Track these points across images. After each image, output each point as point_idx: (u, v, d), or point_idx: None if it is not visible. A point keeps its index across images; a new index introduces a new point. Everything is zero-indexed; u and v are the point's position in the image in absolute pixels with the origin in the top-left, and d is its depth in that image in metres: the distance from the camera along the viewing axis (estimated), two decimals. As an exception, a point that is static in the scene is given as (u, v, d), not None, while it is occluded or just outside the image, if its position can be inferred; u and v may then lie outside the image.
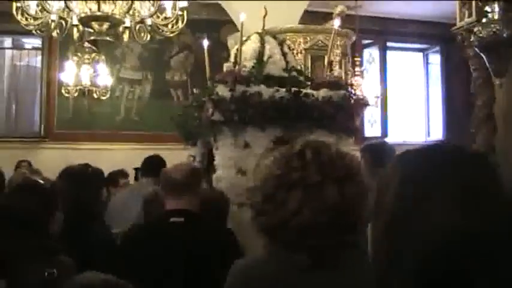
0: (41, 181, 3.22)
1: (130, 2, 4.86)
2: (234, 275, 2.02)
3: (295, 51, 7.07)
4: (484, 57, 2.40)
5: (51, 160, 9.22)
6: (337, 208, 1.84)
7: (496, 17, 2.30)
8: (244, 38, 5.01)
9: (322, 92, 4.66)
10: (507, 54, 2.35)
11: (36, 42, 10.71)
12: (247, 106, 4.41)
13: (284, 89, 4.55)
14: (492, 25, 2.29)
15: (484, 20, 2.37)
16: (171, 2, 5.21)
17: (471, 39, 2.52)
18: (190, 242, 3.15)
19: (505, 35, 2.26)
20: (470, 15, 2.70)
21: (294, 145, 2.00)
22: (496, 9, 2.32)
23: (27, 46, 11.17)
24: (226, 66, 5.02)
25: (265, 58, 4.86)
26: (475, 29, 2.39)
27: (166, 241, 3.18)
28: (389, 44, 12.58)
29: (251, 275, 1.97)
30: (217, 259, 2.99)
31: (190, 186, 3.32)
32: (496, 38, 2.26)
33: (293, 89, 4.58)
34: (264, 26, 5.12)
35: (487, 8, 2.35)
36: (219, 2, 8.81)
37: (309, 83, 4.96)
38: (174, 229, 3.21)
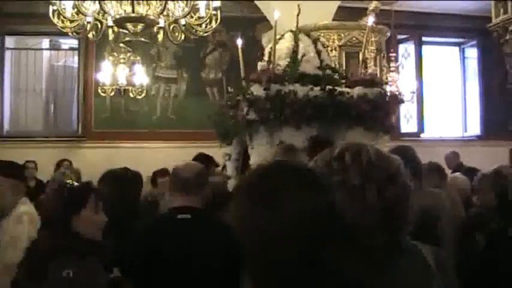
0: (72, 181, 3.25)
1: (164, 2, 4.89)
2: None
3: (329, 48, 7.05)
4: (520, 55, 2.38)
5: (91, 159, 9.38)
6: (379, 210, 1.83)
7: (531, 14, 2.27)
8: (278, 37, 5.02)
9: (357, 90, 4.66)
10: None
11: (73, 42, 10.86)
12: (282, 105, 4.43)
13: (319, 88, 4.55)
14: (528, 23, 2.26)
15: (520, 17, 2.34)
16: (205, 1, 5.23)
17: (507, 37, 2.48)
18: (196, 238, 3.21)
19: (542, 31, 2.23)
20: (505, 11, 2.66)
21: (333, 148, 1.96)
22: (531, 6, 2.29)
23: (64, 47, 11.35)
24: (260, 65, 5.03)
25: (299, 56, 4.86)
26: (510, 27, 2.36)
27: (174, 237, 3.24)
28: (424, 38, 12.45)
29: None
30: (221, 255, 3.09)
31: (198, 185, 3.39)
32: (533, 34, 2.23)
33: (328, 87, 4.58)
34: (297, 24, 5.12)
35: (524, 4, 2.33)
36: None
37: (344, 80, 4.95)
38: (182, 225, 3.27)
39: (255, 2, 8.87)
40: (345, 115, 4.57)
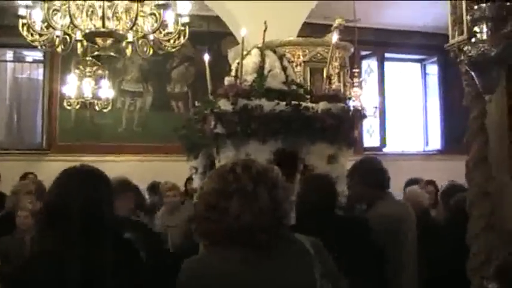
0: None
1: (133, 18, 4.97)
2: (183, 273, 2.33)
3: (294, 64, 7.19)
4: (473, 74, 2.52)
5: (55, 172, 9.30)
6: (269, 209, 2.25)
7: (484, 37, 2.41)
8: (244, 52, 5.12)
9: (322, 105, 4.77)
10: (495, 72, 2.46)
11: (38, 54, 10.82)
12: (248, 119, 4.52)
13: (284, 102, 4.66)
14: (481, 44, 2.39)
15: (473, 40, 2.47)
16: (173, 17, 5.33)
17: (461, 58, 2.63)
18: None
19: (492, 54, 2.37)
20: (461, 33, 2.82)
21: (225, 165, 2.43)
22: (485, 29, 2.42)
23: (28, 59, 11.28)
24: (227, 80, 5.13)
25: (265, 72, 4.97)
26: (465, 48, 2.50)
27: None
28: (387, 55, 12.73)
29: (198, 271, 2.30)
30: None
31: None
32: (484, 57, 2.37)
33: (293, 102, 4.69)
34: (264, 40, 5.24)
35: (476, 28, 2.46)
36: (222, 12, 8.95)
37: (308, 96, 5.07)
38: None
39: (222, 18, 9.01)
40: (309, 129, 4.68)
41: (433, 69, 13.02)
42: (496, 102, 2.74)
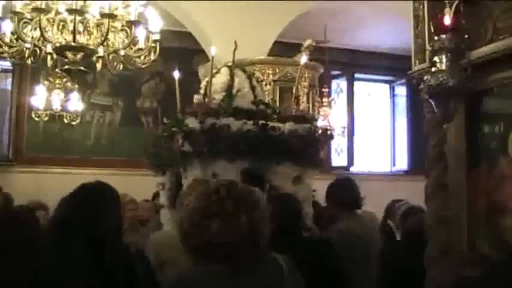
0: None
1: (105, 33, 4.98)
2: (170, 285, 2.58)
3: (264, 83, 7.27)
4: (432, 103, 2.60)
5: (21, 184, 9.26)
6: (247, 230, 2.43)
7: (443, 67, 2.49)
8: (214, 71, 5.18)
9: (288, 126, 4.84)
10: (452, 102, 2.55)
11: (6, 64, 10.68)
12: (216, 138, 4.57)
13: (252, 122, 4.72)
14: (440, 75, 2.47)
15: (433, 69, 2.55)
16: (145, 34, 5.35)
17: (421, 86, 2.71)
18: None
19: (450, 84, 2.45)
20: (423, 61, 2.90)
21: (210, 184, 2.65)
22: (444, 60, 2.50)
23: (-5, 68, 11.14)
24: (196, 98, 5.17)
25: (234, 91, 5.02)
26: (425, 78, 2.58)
27: None
28: (357, 75, 12.89)
29: (183, 284, 2.48)
30: None
31: None
32: (443, 87, 2.45)
33: (260, 122, 4.75)
34: (234, 59, 5.29)
35: (436, 59, 2.54)
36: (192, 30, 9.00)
37: (276, 116, 5.13)
38: None
39: (194, 35, 9.05)
40: (275, 150, 4.74)
41: (401, 91, 13.20)
42: (455, 130, 2.82)
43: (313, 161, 5.03)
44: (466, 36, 2.64)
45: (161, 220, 5.48)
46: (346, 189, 4.78)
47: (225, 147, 4.60)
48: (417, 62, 2.96)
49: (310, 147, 4.92)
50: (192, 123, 4.61)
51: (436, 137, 2.84)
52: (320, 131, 5.31)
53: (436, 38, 2.57)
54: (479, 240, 2.77)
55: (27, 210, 4.13)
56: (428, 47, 2.69)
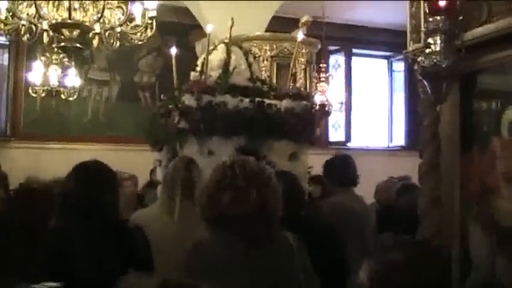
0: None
1: (101, 10, 4.95)
2: (189, 253, 2.79)
3: (261, 59, 7.24)
4: (426, 84, 2.60)
5: (18, 160, 9.28)
6: (258, 205, 2.59)
7: (437, 48, 2.49)
8: (211, 47, 5.16)
9: (285, 103, 4.84)
10: (445, 83, 2.56)
11: (1, 39, 10.61)
12: (212, 116, 4.58)
13: (248, 99, 4.72)
14: (433, 56, 2.48)
15: (427, 50, 2.56)
16: (141, 10, 5.32)
17: (415, 67, 2.72)
18: None
19: (444, 65, 2.46)
20: (418, 41, 2.90)
21: (227, 161, 2.79)
22: (438, 41, 2.50)
23: (-9, 44, 11.08)
24: (193, 76, 5.16)
25: (230, 68, 5.01)
26: (419, 59, 2.59)
27: None
28: (355, 50, 12.84)
29: (200, 253, 2.73)
30: None
31: None
32: (436, 68, 2.46)
33: (257, 99, 4.75)
34: (230, 36, 5.28)
35: (430, 40, 2.54)
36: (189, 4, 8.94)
37: (273, 92, 5.13)
38: None
39: (191, 10, 9.00)
40: (271, 127, 4.75)
41: (399, 66, 13.16)
42: (449, 111, 2.83)
43: (309, 138, 5.05)
44: (460, 18, 2.64)
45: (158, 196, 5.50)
46: (342, 166, 4.83)
47: (221, 125, 4.61)
48: (412, 42, 2.96)
49: (306, 124, 4.93)
50: (188, 100, 4.61)
51: (430, 117, 2.85)
52: (317, 107, 5.31)
53: (430, 19, 2.57)
54: (471, 221, 2.81)
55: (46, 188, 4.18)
56: (423, 28, 2.69)
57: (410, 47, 2.96)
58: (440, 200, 2.88)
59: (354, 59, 12.87)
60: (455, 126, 2.85)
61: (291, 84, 5.59)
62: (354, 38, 12.45)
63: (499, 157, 2.61)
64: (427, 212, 2.88)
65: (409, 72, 12.66)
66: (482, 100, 2.84)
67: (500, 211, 2.62)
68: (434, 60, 2.47)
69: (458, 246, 2.85)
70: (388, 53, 13.19)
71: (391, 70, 13.35)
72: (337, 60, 12.73)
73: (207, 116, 4.58)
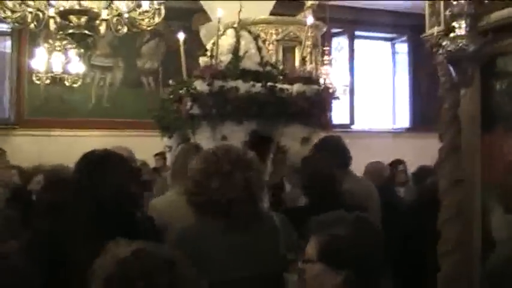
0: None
1: (109, -3, 4.95)
2: (176, 236, 2.85)
3: (267, 43, 7.21)
4: (451, 68, 2.60)
5: (23, 147, 9.29)
6: (243, 188, 2.73)
7: (462, 32, 2.48)
8: (219, 32, 5.14)
9: (296, 87, 4.83)
10: (471, 67, 2.56)
11: (3, 26, 10.56)
12: (225, 101, 4.56)
13: (260, 84, 4.71)
14: (459, 40, 2.47)
15: (451, 35, 2.54)
16: (149, -3, 5.29)
17: (439, 51, 2.70)
18: None
19: (470, 50, 2.45)
20: (438, 24, 2.88)
21: (211, 148, 3.01)
22: (463, 25, 2.49)
23: (-6, 31, 11.03)
24: (202, 61, 5.15)
25: (241, 53, 5.00)
26: (443, 43, 2.57)
27: None
28: (357, 33, 12.80)
29: (186, 235, 2.81)
30: None
31: None
32: (462, 52, 2.45)
33: (268, 84, 4.74)
34: (239, 21, 5.25)
35: (455, 24, 2.53)
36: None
37: (282, 77, 5.11)
38: None
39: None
40: (283, 112, 4.74)
41: (402, 48, 13.14)
42: (470, 95, 2.82)
43: (321, 122, 5.05)
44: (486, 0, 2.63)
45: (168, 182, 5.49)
46: (338, 147, 4.75)
47: (234, 110, 4.59)
48: (430, 26, 2.95)
49: (318, 107, 4.92)
50: (200, 85, 4.59)
51: (450, 100, 2.84)
52: (323, 89, 5.28)
53: (454, 2, 2.55)
54: (493, 202, 2.82)
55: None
56: (447, 12, 2.67)
57: (432, 29, 2.94)
58: (460, 182, 2.88)
59: (356, 41, 12.83)
60: (475, 108, 2.84)
61: (302, 68, 5.56)
62: (357, 20, 12.41)
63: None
64: (448, 194, 2.89)
65: (413, 54, 12.67)
66: (503, 82, 2.83)
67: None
68: (460, 44, 2.46)
69: (480, 227, 2.85)
70: (391, 35, 13.16)
71: (394, 52, 13.32)
72: (339, 42, 12.69)
73: (219, 101, 4.57)
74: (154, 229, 3.44)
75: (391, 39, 13.28)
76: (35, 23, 5.35)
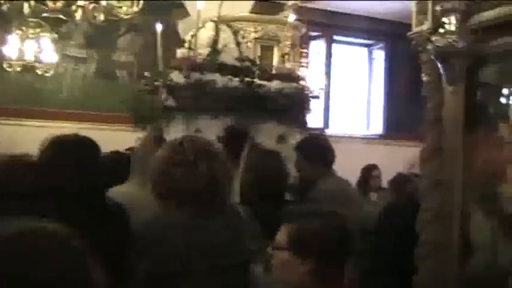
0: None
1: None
2: (144, 226, 2.83)
3: (245, 40, 7.12)
4: (439, 65, 2.54)
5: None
6: (207, 178, 2.73)
7: (452, 28, 2.43)
8: (199, 25, 5.05)
9: (275, 84, 4.76)
10: (459, 64, 2.51)
11: (-24, 12, 10.35)
12: (201, 94, 4.47)
13: (237, 79, 4.63)
14: (448, 36, 2.42)
15: (441, 30, 2.49)
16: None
17: (428, 47, 2.64)
18: None
19: (460, 46, 2.40)
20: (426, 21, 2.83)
21: (177, 138, 2.98)
22: (453, 21, 2.44)
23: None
24: (180, 53, 5.05)
25: (219, 47, 4.91)
26: (433, 38, 2.52)
27: None
28: (335, 37, 12.77)
29: (154, 225, 2.79)
30: None
31: None
32: (452, 48, 2.40)
33: (246, 79, 4.66)
34: (219, 14, 5.17)
35: (445, 19, 2.48)
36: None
37: (261, 73, 5.04)
38: None
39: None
40: (260, 108, 4.67)
41: (379, 55, 13.15)
42: (454, 94, 2.77)
43: (299, 121, 4.98)
44: (476, -1, 2.58)
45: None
46: (322, 145, 4.67)
47: (210, 103, 4.51)
48: (422, 21, 2.88)
49: (296, 106, 4.86)
50: (176, 77, 4.50)
51: (434, 100, 2.79)
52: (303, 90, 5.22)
53: (445, -1, 2.50)
54: (474, 204, 2.76)
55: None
56: (438, 7, 2.60)
57: (420, 27, 2.88)
58: (441, 184, 2.83)
59: (334, 46, 12.80)
60: (459, 108, 2.79)
61: (280, 66, 5.49)
62: (335, 25, 12.38)
63: (508, 141, 2.56)
64: (427, 195, 2.83)
65: (389, 61, 12.70)
66: (488, 83, 2.79)
67: (505, 196, 2.57)
68: (450, 40, 2.40)
69: (458, 229, 2.80)
70: (368, 41, 13.17)
71: (370, 58, 13.33)
72: (317, 46, 12.65)
73: (195, 93, 4.48)
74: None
75: (368, 46, 13.28)
76: (9, 5, 5.22)
